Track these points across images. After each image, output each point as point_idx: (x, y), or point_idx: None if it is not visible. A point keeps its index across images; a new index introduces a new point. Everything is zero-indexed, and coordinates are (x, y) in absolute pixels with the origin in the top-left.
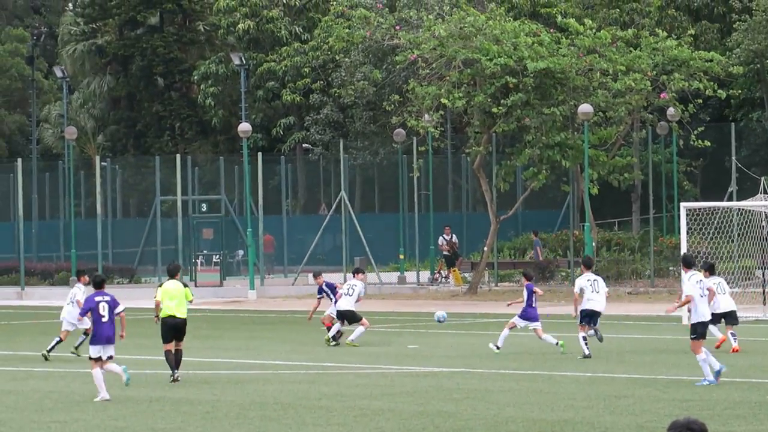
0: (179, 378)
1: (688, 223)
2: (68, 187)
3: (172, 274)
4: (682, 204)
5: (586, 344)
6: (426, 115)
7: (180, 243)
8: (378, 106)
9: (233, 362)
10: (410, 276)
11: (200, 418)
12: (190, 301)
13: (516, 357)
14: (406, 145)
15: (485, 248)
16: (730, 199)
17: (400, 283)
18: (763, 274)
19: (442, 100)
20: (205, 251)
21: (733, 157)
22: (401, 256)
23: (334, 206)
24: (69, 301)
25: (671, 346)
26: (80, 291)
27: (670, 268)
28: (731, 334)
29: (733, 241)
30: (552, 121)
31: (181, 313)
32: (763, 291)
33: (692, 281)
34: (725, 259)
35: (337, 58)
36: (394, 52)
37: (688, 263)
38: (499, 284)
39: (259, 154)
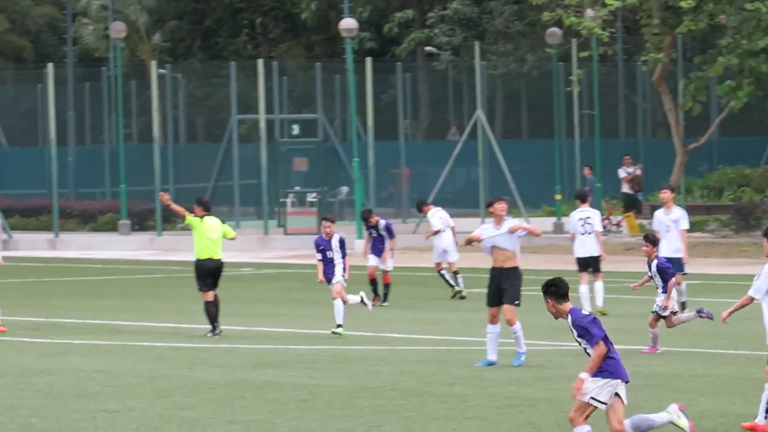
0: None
1: None
2: (115, 102)
3: (208, 208)
4: None
5: None
6: (589, 11)
7: (264, 176)
8: None
9: (327, 334)
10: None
11: (294, 408)
12: (233, 239)
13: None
14: (563, 50)
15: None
16: None
17: (557, 233)
18: None
19: None
20: (297, 188)
21: None
22: (558, 197)
23: (467, 130)
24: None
25: None
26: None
27: None
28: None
29: None
30: (756, 20)
31: (219, 255)
32: None
33: None
34: None
35: None
36: None
37: None
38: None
39: (368, 59)
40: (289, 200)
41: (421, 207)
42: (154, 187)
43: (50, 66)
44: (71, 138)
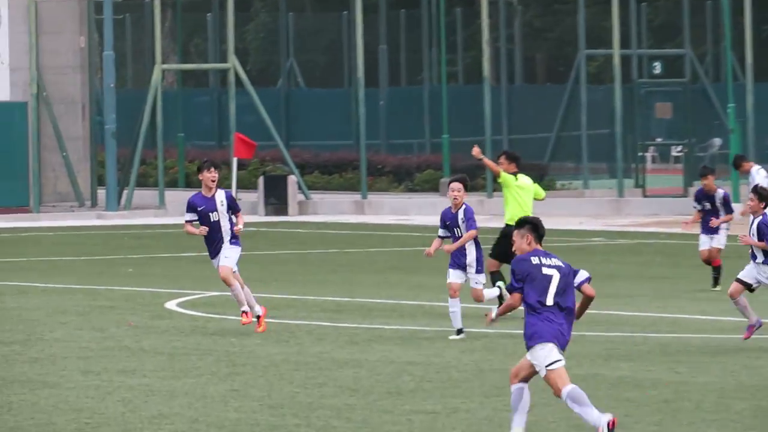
0: None
1: None
2: (437, 34)
3: (519, 164)
4: None
5: None
6: None
7: (618, 125)
8: None
9: (700, 320)
10: None
11: (655, 411)
12: (542, 200)
13: None
14: None
15: None
16: None
17: None
18: None
19: None
20: (659, 139)
21: None
22: None
23: None
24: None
25: None
26: None
27: None
28: None
29: None
30: None
31: None
32: None
33: None
34: None
35: None
36: None
37: None
38: None
39: None
40: (649, 155)
41: (739, 163)
42: (484, 138)
43: None
44: (383, 78)
